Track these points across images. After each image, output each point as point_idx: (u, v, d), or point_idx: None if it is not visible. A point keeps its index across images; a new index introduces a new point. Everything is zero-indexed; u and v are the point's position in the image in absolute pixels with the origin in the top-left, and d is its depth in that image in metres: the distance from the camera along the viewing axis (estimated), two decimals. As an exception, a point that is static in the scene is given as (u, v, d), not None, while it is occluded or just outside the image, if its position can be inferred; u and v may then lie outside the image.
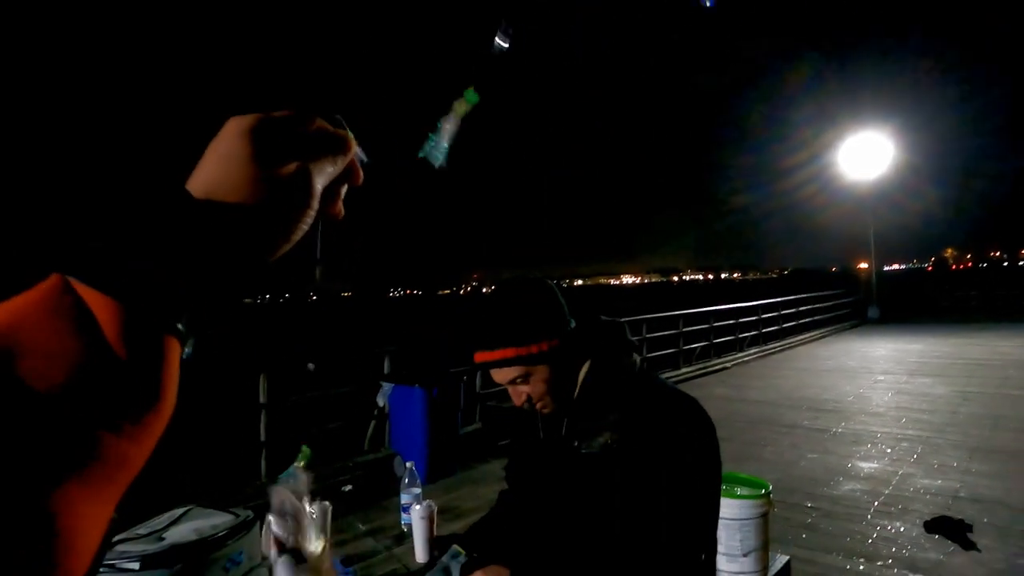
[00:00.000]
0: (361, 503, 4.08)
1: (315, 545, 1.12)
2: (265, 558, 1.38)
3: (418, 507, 1.89)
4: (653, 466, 1.23)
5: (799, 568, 3.23)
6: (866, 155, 20.56)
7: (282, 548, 1.10)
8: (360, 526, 2.24)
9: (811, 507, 4.17)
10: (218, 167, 0.38)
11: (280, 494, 1.12)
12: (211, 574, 1.24)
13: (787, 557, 2.17)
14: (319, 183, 0.41)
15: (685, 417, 1.30)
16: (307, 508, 1.11)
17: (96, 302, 0.33)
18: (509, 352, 1.27)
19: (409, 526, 1.95)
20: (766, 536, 2.13)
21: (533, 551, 1.36)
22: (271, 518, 1.10)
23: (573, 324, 1.34)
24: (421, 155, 0.68)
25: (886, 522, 3.90)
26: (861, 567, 3.34)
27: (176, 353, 0.35)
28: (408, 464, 2.16)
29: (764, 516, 2.12)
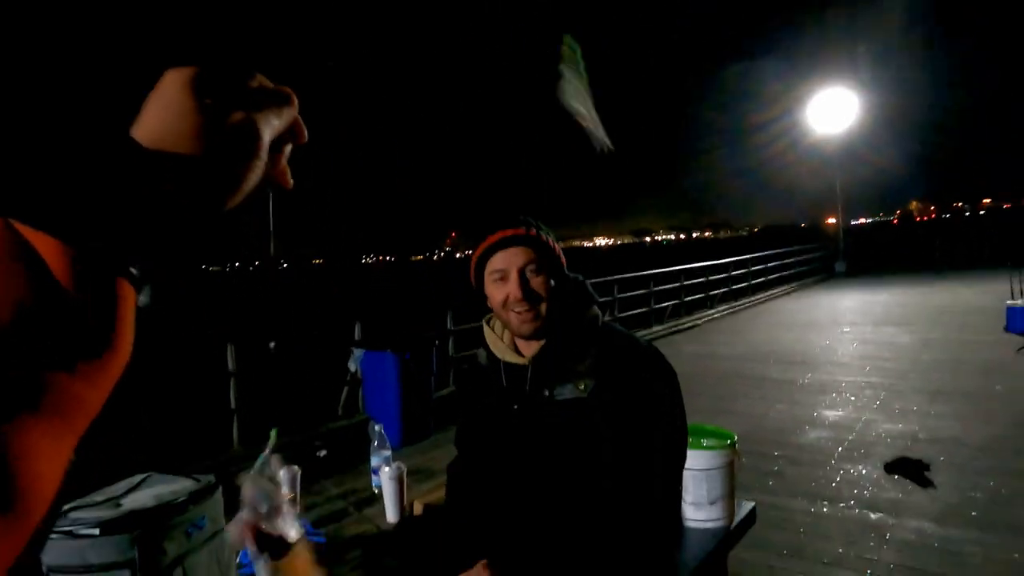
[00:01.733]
0: (336, 468, 4.09)
1: (295, 532, 1.08)
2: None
3: (387, 469, 1.89)
4: (640, 414, 1.27)
5: (766, 513, 3.33)
6: (833, 110, 20.71)
7: (259, 540, 1.04)
8: (332, 489, 2.27)
9: (778, 455, 4.29)
10: (161, 119, 0.38)
11: (251, 488, 1.06)
12: (173, 538, 1.22)
13: (752, 503, 2.22)
14: (266, 134, 0.40)
15: (656, 364, 1.34)
16: (283, 493, 1.07)
17: (44, 244, 0.32)
18: (533, 232, 1.32)
19: (380, 488, 1.95)
20: (732, 484, 2.17)
21: (514, 519, 1.34)
22: (243, 515, 1.04)
23: None
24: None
25: (849, 466, 4.04)
26: (825, 509, 3.46)
27: (131, 297, 0.35)
28: (377, 427, 2.15)
29: (730, 465, 2.17)
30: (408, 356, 4.84)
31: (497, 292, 1.33)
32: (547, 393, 1.32)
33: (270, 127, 0.41)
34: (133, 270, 0.34)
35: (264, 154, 0.41)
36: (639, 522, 1.25)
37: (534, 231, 1.33)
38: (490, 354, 1.45)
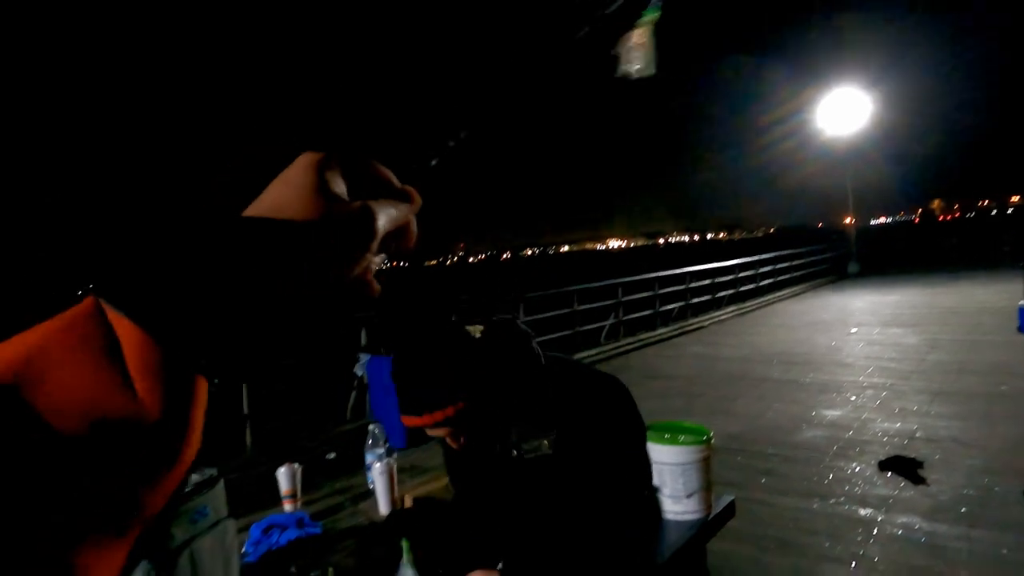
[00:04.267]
0: (342, 468, 4.24)
1: None
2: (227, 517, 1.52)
3: (378, 465, 2.03)
4: (604, 455, 1.45)
5: (755, 509, 3.44)
6: (846, 110, 20.60)
7: None
8: (333, 486, 2.43)
9: (772, 454, 4.38)
10: (280, 194, 0.37)
11: None
12: (179, 523, 1.37)
13: (732, 497, 2.33)
14: (382, 225, 0.39)
15: (609, 399, 1.51)
16: None
17: (126, 333, 0.30)
18: (426, 419, 1.40)
19: (373, 483, 2.10)
20: (708, 478, 2.28)
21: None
22: None
23: (481, 355, 1.42)
24: (620, 74, 0.69)
25: (842, 464, 4.11)
26: (814, 505, 3.55)
27: (204, 392, 0.32)
28: (371, 426, 2.29)
29: (705, 460, 2.27)
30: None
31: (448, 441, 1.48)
32: (515, 453, 1.48)
33: (387, 219, 0.39)
34: (204, 361, 0.32)
35: (375, 248, 0.38)
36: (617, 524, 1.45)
37: (419, 420, 1.40)
38: None
